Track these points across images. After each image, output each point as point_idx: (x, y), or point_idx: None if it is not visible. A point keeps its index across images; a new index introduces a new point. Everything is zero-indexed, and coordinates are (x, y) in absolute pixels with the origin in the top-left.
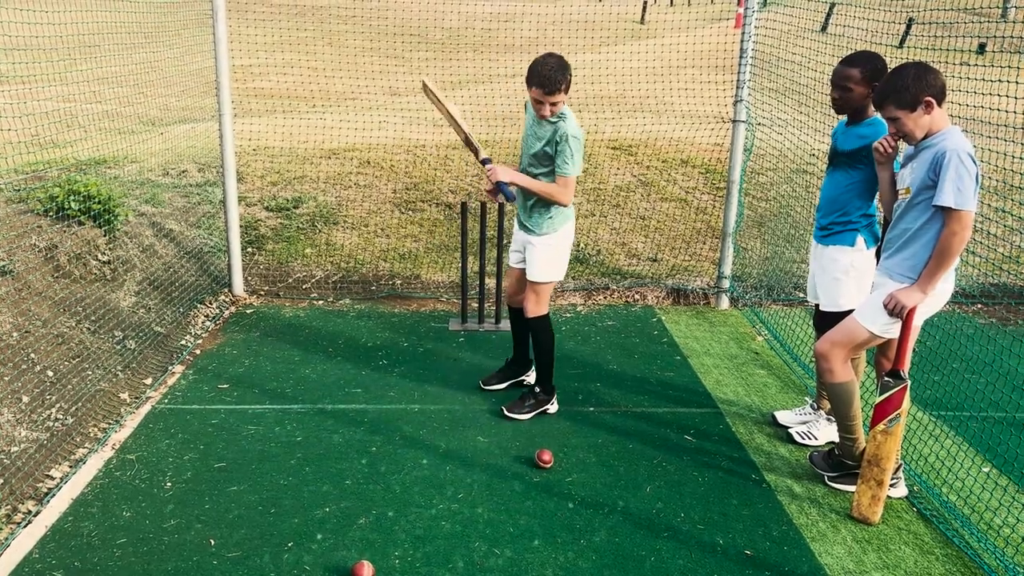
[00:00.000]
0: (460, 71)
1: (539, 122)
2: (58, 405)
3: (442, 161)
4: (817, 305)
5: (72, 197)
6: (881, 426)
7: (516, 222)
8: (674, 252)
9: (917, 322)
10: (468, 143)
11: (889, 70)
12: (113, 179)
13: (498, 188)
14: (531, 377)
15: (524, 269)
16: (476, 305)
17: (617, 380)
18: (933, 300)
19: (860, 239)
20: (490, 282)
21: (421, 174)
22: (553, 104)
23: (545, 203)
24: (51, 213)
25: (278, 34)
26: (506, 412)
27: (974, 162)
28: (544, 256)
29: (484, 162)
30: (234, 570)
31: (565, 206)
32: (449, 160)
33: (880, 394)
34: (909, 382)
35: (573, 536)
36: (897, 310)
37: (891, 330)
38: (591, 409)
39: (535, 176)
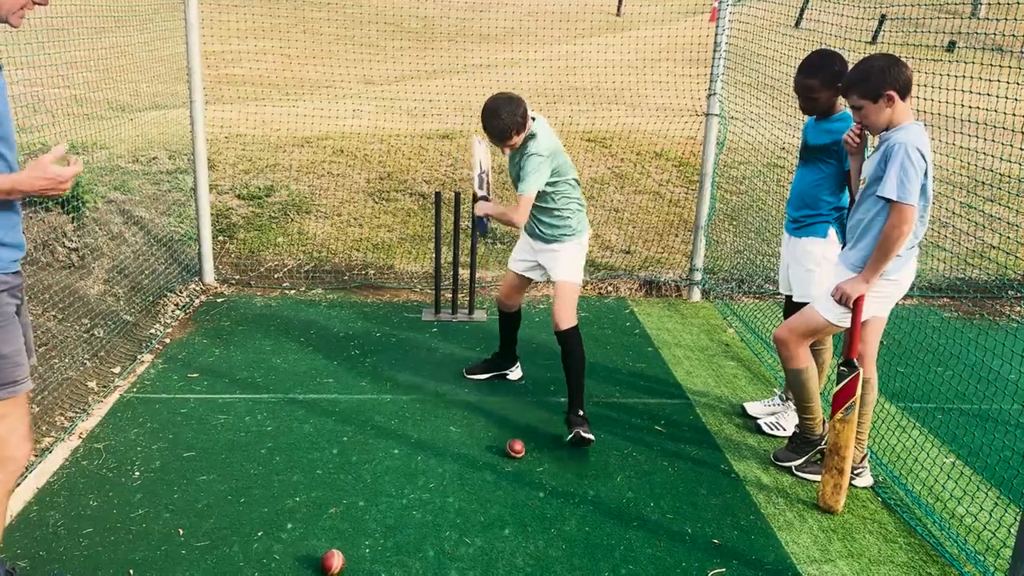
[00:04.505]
0: (436, 60)
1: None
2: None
3: (417, 151)
4: (788, 297)
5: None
6: (839, 415)
7: (526, 230)
8: (647, 244)
9: (882, 313)
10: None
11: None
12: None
13: (479, 221)
14: (514, 373)
15: (527, 276)
16: (449, 296)
17: (589, 371)
18: (892, 289)
19: (832, 231)
20: (464, 273)
21: (395, 164)
22: (510, 146)
23: (561, 213)
24: None
25: (251, 20)
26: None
27: (924, 158)
28: (570, 257)
29: (483, 198)
30: (203, 560)
31: (516, 226)
32: (424, 150)
33: (837, 383)
34: (861, 370)
35: (544, 525)
36: (843, 300)
37: (847, 319)
38: (562, 399)
39: None
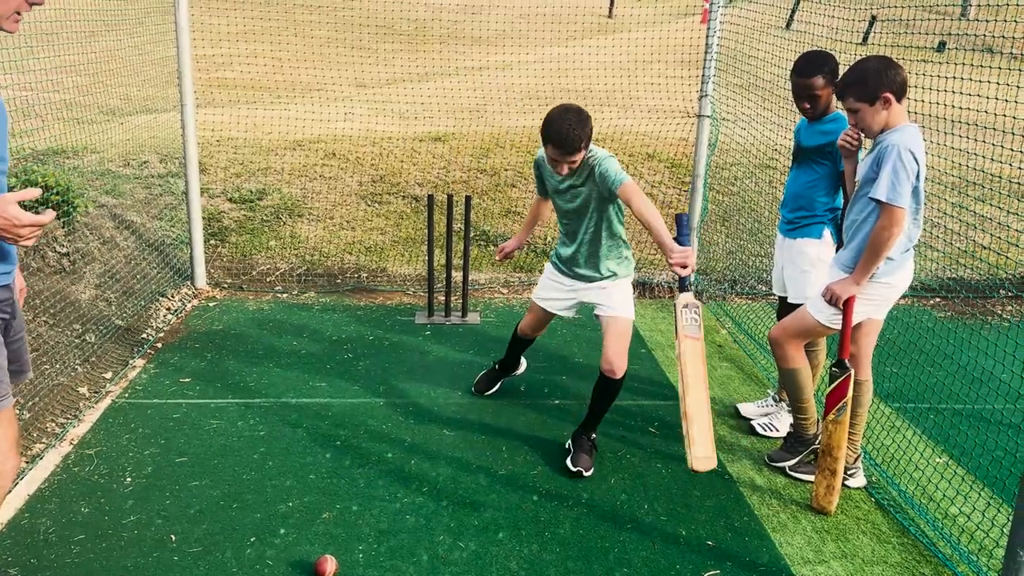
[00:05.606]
0: (427, 63)
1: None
2: (14, 400)
3: (409, 153)
4: (782, 298)
5: (29, 188)
6: (831, 415)
7: (562, 271)
8: (640, 246)
9: (877, 316)
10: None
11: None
12: (72, 169)
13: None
14: (520, 369)
15: (556, 313)
16: (443, 298)
17: (583, 373)
18: (885, 292)
19: (827, 232)
20: (457, 275)
21: (387, 166)
22: (572, 162)
23: (619, 249)
24: None
25: (242, 23)
26: (574, 466)
27: (916, 160)
28: (627, 293)
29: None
30: (195, 566)
31: (655, 214)
32: (416, 153)
33: (829, 384)
34: (853, 371)
35: (538, 529)
36: (833, 301)
37: (838, 320)
38: (556, 402)
39: (598, 215)
